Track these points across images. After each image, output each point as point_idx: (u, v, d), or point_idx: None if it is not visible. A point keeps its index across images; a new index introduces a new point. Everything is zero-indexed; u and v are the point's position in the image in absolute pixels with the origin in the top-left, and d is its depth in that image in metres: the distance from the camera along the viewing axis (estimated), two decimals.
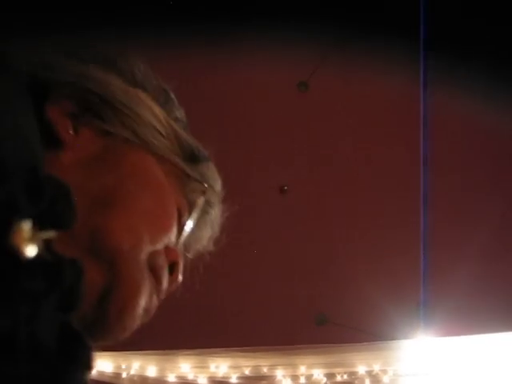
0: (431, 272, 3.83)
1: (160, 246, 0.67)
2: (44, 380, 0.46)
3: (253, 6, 3.75)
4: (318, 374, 3.65)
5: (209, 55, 3.77)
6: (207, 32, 3.72)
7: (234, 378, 3.72)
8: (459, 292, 3.57)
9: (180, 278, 0.72)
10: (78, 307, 0.50)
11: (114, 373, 3.77)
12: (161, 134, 0.71)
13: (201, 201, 0.76)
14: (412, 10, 3.85)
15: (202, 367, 3.71)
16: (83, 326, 0.59)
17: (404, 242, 3.86)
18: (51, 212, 0.48)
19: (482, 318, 3.51)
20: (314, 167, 3.90)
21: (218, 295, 3.79)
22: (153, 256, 0.66)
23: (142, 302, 0.65)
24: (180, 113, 0.76)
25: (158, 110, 0.72)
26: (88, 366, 0.51)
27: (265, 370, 3.67)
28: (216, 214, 0.80)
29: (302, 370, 3.64)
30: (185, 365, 3.70)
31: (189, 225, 0.75)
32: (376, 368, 3.62)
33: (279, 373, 3.67)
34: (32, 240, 0.44)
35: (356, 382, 3.67)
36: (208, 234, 0.81)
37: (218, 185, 0.80)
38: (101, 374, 3.71)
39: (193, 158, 0.75)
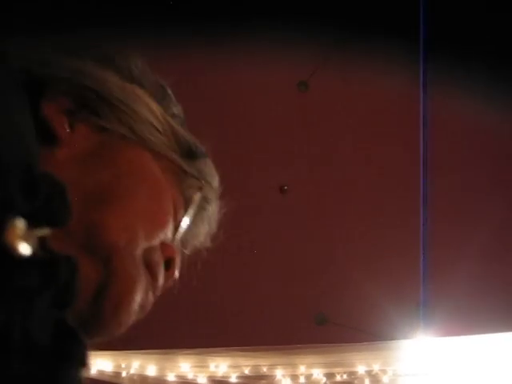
0: (431, 272, 3.83)
1: (156, 242, 0.67)
2: (38, 377, 0.46)
3: (253, 6, 3.75)
4: (318, 373, 3.64)
5: (209, 55, 3.78)
6: (207, 32, 3.73)
7: (233, 378, 3.72)
8: (459, 292, 3.57)
9: (176, 274, 0.72)
10: (73, 304, 0.50)
11: (113, 372, 3.77)
12: (158, 130, 0.71)
13: (197, 197, 0.76)
14: (412, 10, 3.85)
15: (202, 366, 3.71)
16: (79, 322, 0.60)
17: (404, 241, 3.86)
18: (46, 209, 0.48)
19: (481, 318, 3.50)
20: (314, 167, 3.90)
21: (218, 295, 3.79)
22: (149, 252, 0.66)
23: (138, 297, 0.65)
24: (177, 109, 0.76)
25: (154, 106, 0.71)
26: (83, 363, 0.51)
27: (264, 369, 3.67)
28: (213, 210, 0.80)
29: (302, 369, 3.64)
30: (184, 364, 3.70)
31: (185, 221, 0.75)
32: (376, 368, 3.62)
33: (279, 372, 3.67)
34: (26, 237, 0.45)
35: (356, 381, 3.67)
36: (205, 230, 0.81)
37: (215, 181, 0.79)
38: (101, 373, 3.71)
39: (190, 154, 0.75)
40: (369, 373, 3.63)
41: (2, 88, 0.51)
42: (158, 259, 0.68)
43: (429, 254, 3.85)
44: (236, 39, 3.76)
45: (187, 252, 0.80)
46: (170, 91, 0.76)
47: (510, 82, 3.73)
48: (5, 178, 0.45)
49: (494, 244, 3.79)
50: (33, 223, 0.46)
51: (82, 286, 0.57)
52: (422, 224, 3.87)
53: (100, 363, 3.71)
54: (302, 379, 3.67)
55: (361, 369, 3.62)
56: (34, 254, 0.46)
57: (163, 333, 3.63)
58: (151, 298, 0.69)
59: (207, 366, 3.69)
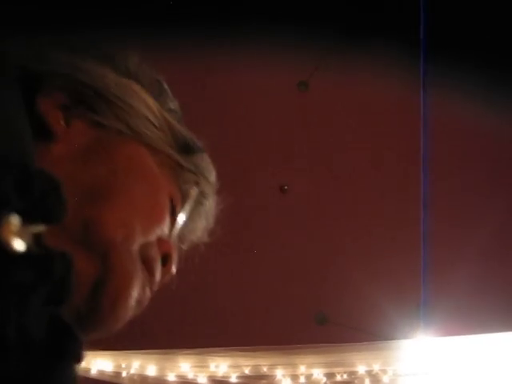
0: (431, 272, 3.83)
1: (153, 237, 0.68)
2: (34, 373, 0.46)
3: (253, 9, 3.75)
4: (318, 373, 3.64)
5: (209, 55, 3.77)
6: (207, 32, 3.73)
7: (233, 378, 3.72)
8: (459, 292, 3.57)
9: (173, 269, 0.72)
10: (69, 300, 0.51)
11: (114, 372, 3.77)
12: (154, 125, 0.71)
13: (194, 192, 0.76)
14: (412, 11, 3.85)
15: (202, 366, 3.71)
16: (76, 318, 0.60)
17: (404, 242, 3.86)
18: (41, 206, 0.48)
19: (482, 318, 3.50)
20: (314, 167, 3.90)
21: (218, 295, 3.79)
22: (145, 248, 0.66)
23: (135, 293, 0.65)
24: (174, 104, 0.76)
25: (151, 101, 0.72)
26: (78, 359, 0.52)
27: (264, 369, 3.67)
28: (210, 205, 0.81)
29: (302, 369, 3.64)
30: (185, 364, 3.70)
31: (182, 216, 0.75)
32: (376, 368, 3.62)
33: (279, 372, 3.67)
34: (21, 234, 0.45)
35: (356, 381, 3.66)
36: (202, 225, 0.81)
37: (212, 176, 0.80)
38: (101, 373, 3.72)
39: (187, 149, 0.75)
40: (369, 373, 3.63)
41: None
42: (155, 255, 0.68)
43: (429, 254, 3.85)
44: (236, 39, 3.76)
45: (184, 247, 0.80)
46: (166, 86, 0.76)
47: (510, 84, 3.73)
48: None
49: (493, 244, 3.79)
50: (27, 219, 0.46)
51: (78, 282, 0.57)
52: (423, 224, 3.87)
53: (100, 363, 3.71)
54: (302, 379, 3.67)
55: (361, 369, 3.62)
56: (29, 250, 0.46)
57: (163, 333, 3.63)
58: (148, 293, 0.69)
59: (207, 366, 3.69)
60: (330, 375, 3.66)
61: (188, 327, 3.69)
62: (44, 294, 0.47)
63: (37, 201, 0.48)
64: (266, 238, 3.83)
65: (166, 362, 3.72)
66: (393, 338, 3.63)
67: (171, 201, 0.72)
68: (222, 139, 3.48)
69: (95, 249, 0.61)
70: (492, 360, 3.52)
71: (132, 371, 3.76)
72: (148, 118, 0.70)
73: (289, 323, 3.79)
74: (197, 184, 0.76)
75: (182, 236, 0.78)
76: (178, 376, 3.76)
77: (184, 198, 0.75)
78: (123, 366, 3.76)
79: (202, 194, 0.78)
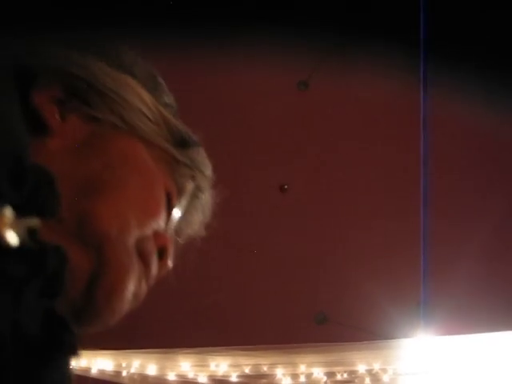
0: (431, 271, 3.83)
1: (148, 231, 0.68)
2: (29, 367, 0.46)
3: (253, 7, 3.75)
4: (318, 372, 3.64)
5: (209, 54, 3.78)
6: (207, 32, 3.73)
7: (234, 377, 3.72)
8: (459, 291, 3.57)
9: (169, 263, 0.73)
10: (62, 293, 0.51)
11: (114, 371, 3.78)
12: (149, 119, 0.71)
13: (190, 185, 0.76)
14: (412, 11, 3.85)
15: (202, 366, 3.71)
16: (72, 311, 0.60)
17: (404, 240, 3.86)
18: (35, 200, 0.48)
19: (482, 317, 3.50)
20: (314, 166, 3.91)
21: (218, 294, 3.80)
22: (141, 241, 0.66)
23: (131, 286, 0.65)
24: (169, 98, 0.76)
25: (146, 95, 0.72)
26: (73, 352, 0.52)
27: (265, 368, 3.67)
28: (207, 198, 0.80)
29: (302, 368, 3.64)
30: (185, 363, 3.70)
31: (178, 210, 0.75)
32: (376, 367, 3.62)
33: (279, 371, 3.67)
34: (14, 227, 0.45)
35: (356, 380, 3.67)
36: (199, 218, 0.81)
37: (208, 170, 0.79)
38: (101, 372, 3.72)
39: (182, 143, 0.75)
40: (369, 372, 3.63)
41: None
42: (151, 248, 0.68)
43: (429, 252, 3.85)
44: (236, 39, 3.76)
45: (181, 241, 0.80)
46: (161, 81, 0.76)
47: (510, 83, 3.73)
48: None
49: (493, 243, 3.79)
50: (21, 213, 0.46)
51: (74, 276, 0.58)
52: (423, 223, 3.87)
53: (101, 362, 3.72)
54: (302, 378, 3.67)
55: (361, 368, 3.62)
56: (23, 243, 0.46)
57: (163, 332, 3.64)
58: (144, 286, 0.69)
59: (208, 365, 3.70)
60: (330, 374, 3.66)
61: (188, 326, 3.69)
62: (37, 287, 0.47)
63: (30, 194, 0.48)
64: (265, 238, 3.84)
65: (166, 361, 3.72)
66: (393, 337, 3.63)
67: (167, 194, 0.72)
68: (222, 139, 3.49)
69: (90, 242, 0.61)
70: (492, 359, 3.51)
71: (132, 370, 3.77)
72: (143, 111, 0.70)
73: (289, 322, 3.80)
74: (193, 178, 0.76)
75: (178, 230, 0.78)
76: (179, 375, 3.77)
77: (180, 191, 0.75)
78: (124, 365, 3.76)
79: (198, 188, 0.78)
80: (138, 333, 3.13)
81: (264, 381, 3.71)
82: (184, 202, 0.76)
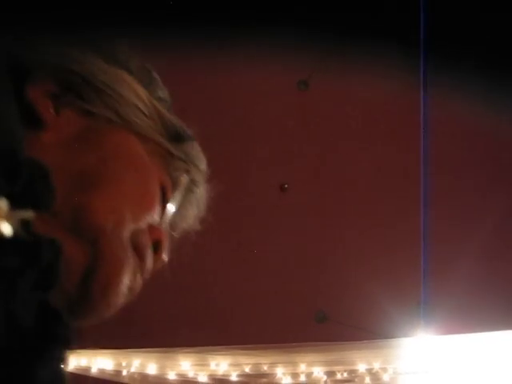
0: (431, 270, 3.83)
1: (143, 224, 0.68)
2: (23, 359, 0.47)
3: (253, 7, 3.75)
4: (318, 371, 3.64)
5: (209, 54, 3.78)
6: (207, 32, 3.73)
7: (234, 376, 3.72)
8: (459, 290, 3.57)
9: (164, 256, 0.73)
10: (57, 286, 0.51)
11: (114, 370, 3.78)
12: (144, 113, 0.71)
13: (185, 179, 0.76)
14: (412, 11, 3.85)
15: (203, 365, 3.71)
16: (68, 304, 0.61)
17: (404, 240, 3.86)
18: (29, 192, 0.49)
19: (482, 316, 3.50)
20: (314, 165, 3.91)
21: (219, 293, 3.80)
22: (136, 234, 0.67)
23: (126, 279, 0.65)
24: (163, 93, 0.77)
25: (140, 90, 0.72)
26: (67, 344, 0.52)
27: (265, 367, 3.67)
28: (201, 192, 0.81)
29: (302, 367, 3.64)
30: (185, 362, 3.70)
31: (173, 204, 0.76)
32: (376, 366, 3.62)
33: (279, 370, 3.67)
34: (8, 219, 0.46)
35: (356, 379, 3.67)
36: (194, 212, 0.81)
37: (202, 164, 0.80)
38: (101, 371, 3.72)
39: (177, 137, 0.75)
40: (369, 371, 3.63)
41: None
42: (146, 241, 0.68)
43: (429, 252, 3.85)
44: (236, 39, 3.76)
45: (176, 235, 0.81)
46: (156, 75, 0.77)
47: (510, 83, 3.73)
48: None
49: (493, 243, 3.79)
50: (16, 205, 0.47)
51: (69, 269, 0.58)
52: (423, 223, 3.87)
53: (101, 362, 3.72)
54: (302, 377, 3.67)
55: (361, 367, 3.62)
56: (17, 235, 0.47)
57: (163, 331, 3.64)
58: (139, 280, 0.69)
59: (208, 365, 3.70)
60: (330, 373, 3.66)
61: (188, 325, 3.69)
62: (32, 279, 0.48)
63: (25, 187, 0.48)
64: (266, 237, 3.84)
65: (166, 360, 3.73)
66: (393, 337, 3.63)
67: (162, 188, 0.73)
68: (223, 138, 3.49)
69: (85, 235, 0.62)
70: (492, 358, 3.51)
71: (132, 369, 3.77)
72: (137, 106, 0.71)
73: (289, 321, 3.80)
74: (187, 172, 0.77)
75: (173, 224, 0.78)
76: (179, 374, 3.77)
77: (174, 185, 0.75)
78: (124, 364, 3.76)
79: (193, 182, 0.78)
80: (138, 332, 3.14)
81: (264, 380, 3.71)
82: (178, 195, 0.76)
